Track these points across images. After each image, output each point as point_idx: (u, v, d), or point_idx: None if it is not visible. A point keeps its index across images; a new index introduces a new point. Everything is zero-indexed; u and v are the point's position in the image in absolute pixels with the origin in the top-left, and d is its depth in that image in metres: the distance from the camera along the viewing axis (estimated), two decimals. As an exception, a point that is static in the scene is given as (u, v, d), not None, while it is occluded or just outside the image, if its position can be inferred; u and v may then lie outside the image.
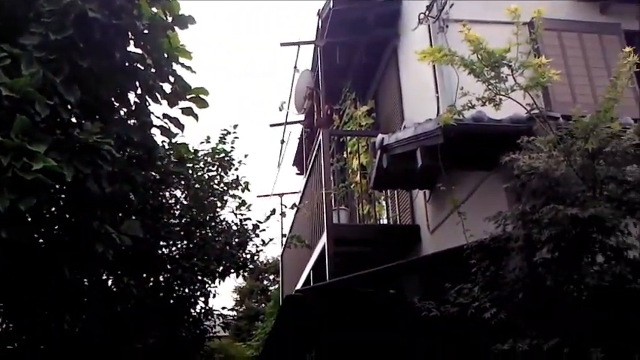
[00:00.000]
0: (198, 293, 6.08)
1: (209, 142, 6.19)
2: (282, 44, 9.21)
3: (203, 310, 6.14)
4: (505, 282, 4.14)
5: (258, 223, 6.21)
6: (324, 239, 6.91)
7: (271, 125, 11.35)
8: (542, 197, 3.91)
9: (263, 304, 19.56)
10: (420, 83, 7.06)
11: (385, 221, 8.38)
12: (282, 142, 11.67)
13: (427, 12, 6.52)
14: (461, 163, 5.28)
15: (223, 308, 6.35)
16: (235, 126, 6.26)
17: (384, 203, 8.35)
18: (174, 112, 4.56)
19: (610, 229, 3.75)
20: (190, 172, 5.76)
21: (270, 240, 6.47)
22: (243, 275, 6.52)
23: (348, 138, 8.99)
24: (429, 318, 4.08)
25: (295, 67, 9.76)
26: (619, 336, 3.60)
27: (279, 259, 12.43)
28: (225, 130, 6.28)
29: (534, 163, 3.80)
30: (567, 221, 3.68)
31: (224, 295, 21.11)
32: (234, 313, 18.50)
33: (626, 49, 3.82)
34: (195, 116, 4.50)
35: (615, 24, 6.81)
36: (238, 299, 21.41)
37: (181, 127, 4.56)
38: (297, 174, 13.58)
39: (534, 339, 3.61)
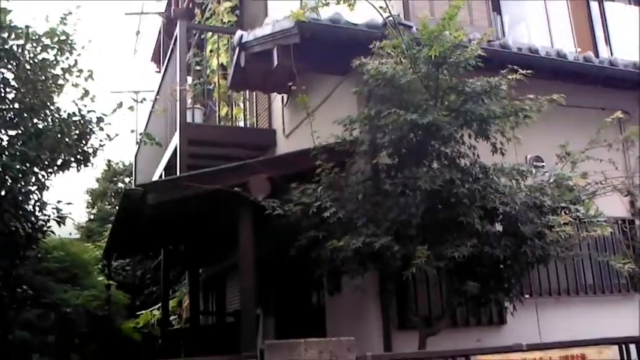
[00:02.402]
0: (34, 187, 5.62)
1: (47, 21, 5.52)
2: None
3: (38, 204, 5.70)
4: (347, 184, 4.26)
5: (103, 116, 5.77)
6: (176, 139, 6.67)
7: (127, 14, 10.51)
8: (388, 103, 4.00)
9: (116, 207, 18.85)
10: (285, -18, 6.79)
11: (243, 124, 8.26)
12: (138, 33, 10.89)
13: None
14: (317, 66, 5.23)
15: (59, 202, 5.89)
16: (78, 7, 5.62)
17: (242, 106, 8.18)
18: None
19: (447, 138, 3.95)
20: (21, 50, 5.13)
21: (117, 135, 6.07)
22: (85, 170, 6.07)
23: (209, 35, 8.56)
24: (273, 216, 4.10)
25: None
26: (441, 232, 3.87)
27: (133, 159, 11.90)
28: (67, 10, 5.62)
29: (382, 68, 3.83)
30: (407, 127, 3.81)
31: (75, 196, 20.03)
32: (86, 213, 17.76)
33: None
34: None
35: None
36: (90, 201, 20.45)
37: (7, -6, 3.99)
38: (157, 71, 12.84)
39: (368, 237, 3.77)
